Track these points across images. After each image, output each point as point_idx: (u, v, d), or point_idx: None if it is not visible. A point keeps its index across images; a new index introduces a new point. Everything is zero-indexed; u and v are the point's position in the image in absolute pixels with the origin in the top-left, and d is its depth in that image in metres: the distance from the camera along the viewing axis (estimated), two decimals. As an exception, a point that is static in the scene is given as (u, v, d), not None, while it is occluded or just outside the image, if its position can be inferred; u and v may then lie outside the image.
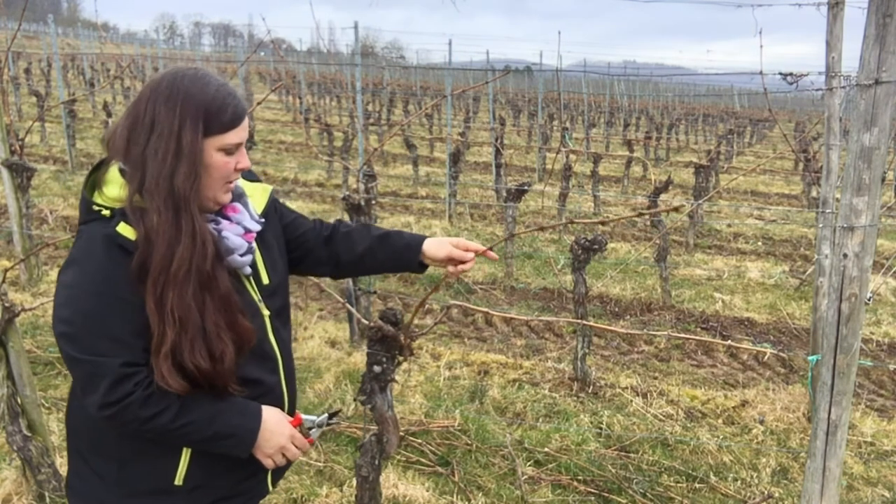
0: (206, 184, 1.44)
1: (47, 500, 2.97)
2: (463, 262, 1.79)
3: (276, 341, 1.64)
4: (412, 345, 2.12)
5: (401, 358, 2.17)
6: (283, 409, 1.65)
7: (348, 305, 2.87)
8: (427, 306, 6.03)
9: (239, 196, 1.59)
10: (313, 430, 1.66)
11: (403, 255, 1.81)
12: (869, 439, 3.99)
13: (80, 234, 1.45)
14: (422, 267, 1.84)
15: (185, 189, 1.39)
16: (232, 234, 1.51)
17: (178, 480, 1.51)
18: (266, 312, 1.61)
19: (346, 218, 5.05)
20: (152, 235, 1.36)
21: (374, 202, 4.88)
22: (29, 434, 2.95)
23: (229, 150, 1.47)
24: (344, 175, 10.89)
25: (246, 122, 1.50)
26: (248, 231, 1.56)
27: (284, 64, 30.83)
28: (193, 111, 1.40)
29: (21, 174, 5.25)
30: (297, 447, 1.59)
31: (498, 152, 10.15)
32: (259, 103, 3.36)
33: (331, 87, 29.28)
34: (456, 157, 9.74)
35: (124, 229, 1.39)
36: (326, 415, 1.70)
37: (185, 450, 1.51)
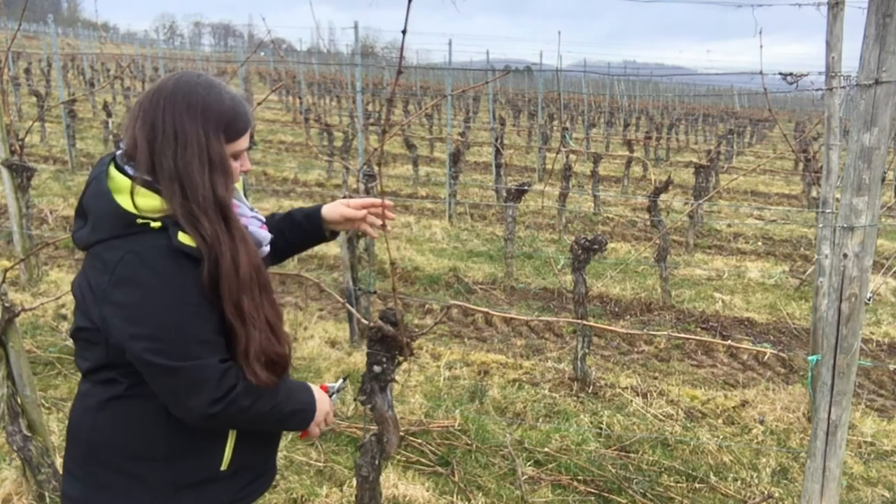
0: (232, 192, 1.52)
1: (47, 500, 2.97)
2: (366, 219, 1.85)
3: None
4: (412, 345, 2.12)
5: (401, 358, 2.17)
6: None
7: (348, 305, 2.87)
8: (427, 306, 6.03)
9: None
10: (333, 395, 1.80)
11: (305, 226, 1.86)
12: (869, 439, 3.99)
13: (114, 249, 1.41)
14: (332, 235, 1.90)
15: (227, 198, 1.45)
16: (254, 228, 1.59)
17: (224, 466, 1.57)
18: None
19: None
20: (215, 245, 1.40)
21: (374, 202, 4.87)
22: (29, 434, 2.95)
23: (237, 155, 1.53)
24: (344, 175, 10.89)
25: (251, 127, 1.57)
26: (262, 223, 1.66)
27: (284, 64, 30.84)
28: (215, 121, 1.45)
29: (21, 174, 5.25)
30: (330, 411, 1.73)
31: (498, 152, 10.16)
32: (259, 103, 3.36)
33: (331, 87, 29.29)
34: (456, 157, 9.74)
35: (185, 238, 1.40)
36: (342, 380, 1.87)
37: (230, 436, 1.57)
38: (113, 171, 1.47)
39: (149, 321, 1.38)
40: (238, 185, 1.71)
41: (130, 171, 1.45)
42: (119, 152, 1.49)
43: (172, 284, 1.39)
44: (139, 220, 1.41)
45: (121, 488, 1.53)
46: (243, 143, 1.52)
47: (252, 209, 1.66)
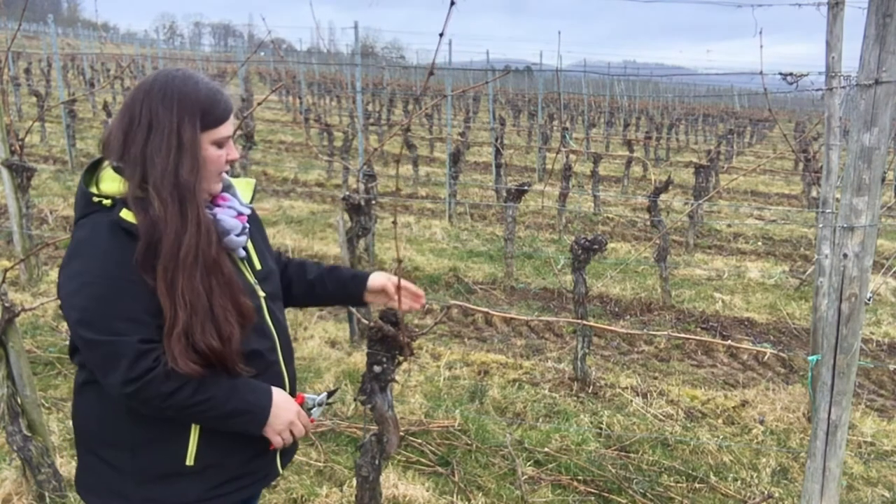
0: (202, 176, 1.54)
1: (47, 500, 2.97)
2: (401, 299, 1.93)
3: (273, 322, 1.72)
4: (412, 345, 2.12)
5: (401, 358, 2.17)
6: (284, 389, 1.71)
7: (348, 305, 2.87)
8: (427, 306, 6.03)
9: (226, 187, 1.70)
10: (314, 409, 1.73)
11: (349, 285, 1.94)
12: (869, 439, 3.99)
13: (80, 227, 1.51)
14: (364, 302, 1.99)
15: (191, 181, 1.49)
16: (226, 217, 1.61)
17: (190, 461, 1.57)
18: (262, 294, 1.70)
19: (346, 218, 5.05)
20: (159, 224, 1.44)
21: (374, 202, 4.88)
22: (29, 434, 2.95)
23: (220, 144, 1.57)
24: (344, 175, 10.89)
25: (233, 115, 1.61)
26: (240, 213, 1.66)
27: (284, 64, 30.85)
28: (190, 109, 1.51)
29: (21, 174, 5.25)
30: (302, 424, 1.66)
31: (498, 152, 10.16)
32: (259, 103, 3.37)
33: (331, 87, 29.28)
34: (456, 157, 9.74)
35: (127, 215, 1.47)
36: (325, 393, 1.77)
37: (193, 430, 1.56)
38: (100, 163, 1.57)
39: (83, 292, 1.44)
40: (246, 186, 1.77)
41: (110, 159, 1.54)
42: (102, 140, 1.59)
43: (110, 257, 1.44)
44: (94, 199, 1.50)
45: (99, 472, 1.59)
46: (224, 130, 1.57)
47: (245, 204, 1.70)
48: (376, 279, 1.93)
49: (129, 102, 1.52)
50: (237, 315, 1.52)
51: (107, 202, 1.49)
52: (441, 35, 1.60)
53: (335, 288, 1.93)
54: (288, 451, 1.78)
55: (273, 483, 3.25)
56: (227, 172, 1.66)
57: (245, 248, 1.68)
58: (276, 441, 1.62)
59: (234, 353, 1.51)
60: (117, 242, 1.45)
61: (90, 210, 1.51)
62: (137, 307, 1.44)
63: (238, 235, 1.61)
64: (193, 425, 1.56)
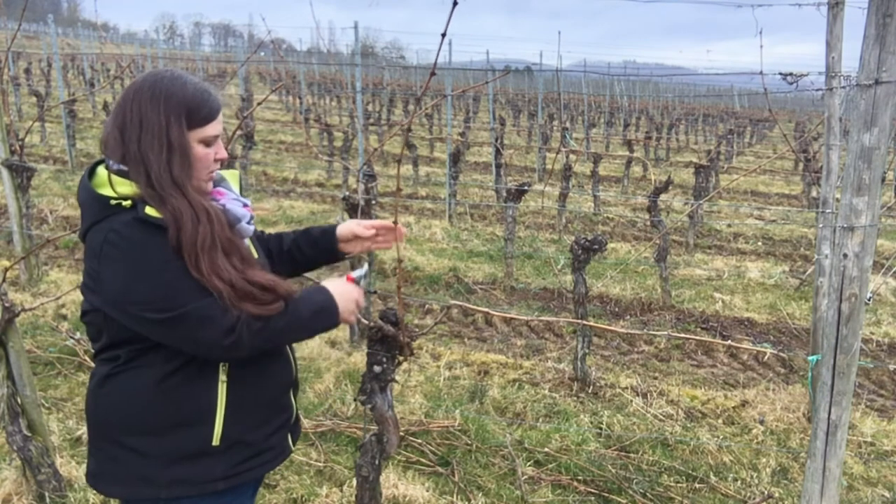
0: (193, 174, 1.59)
1: (47, 500, 2.97)
2: (376, 238, 1.96)
3: None
4: (412, 345, 2.12)
5: (401, 358, 2.17)
6: (291, 373, 1.82)
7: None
8: (427, 306, 6.03)
9: (219, 181, 1.75)
10: (361, 281, 1.84)
11: (321, 242, 1.96)
12: (869, 439, 3.99)
13: (99, 230, 1.53)
14: (341, 254, 1.99)
15: (182, 177, 1.55)
16: (233, 205, 1.68)
17: (216, 441, 1.63)
18: None
19: (346, 218, 5.04)
20: (177, 217, 1.51)
21: (374, 202, 4.87)
22: (29, 434, 2.95)
23: (208, 142, 1.62)
24: (344, 175, 10.89)
25: (221, 115, 1.65)
26: (245, 204, 1.74)
27: (284, 64, 30.84)
28: (176, 108, 1.56)
29: (21, 174, 5.25)
30: (360, 296, 1.80)
31: (498, 152, 10.15)
32: (259, 103, 3.36)
33: (331, 87, 29.28)
34: (456, 157, 9.74)
35: (151, 211, 1.52)
36: (366, 264, 1.94)
37: (219, 411, 1.63)
38: (99, 168, 1.61)
39: (140, 286, 1.50)
40: (231, 177, 1.81)
41: (109, 165, 1.59)
42: (101, 142, 1.62)
43: (150, 250, 1.50)
44: (112, 202, 1.54)
45: (123, 461, 1.63)
46: (211, 129, 1.61)
47: (242, 198, 1.76)
48: (344, 228, 1.95)
49: (121, 102, 1.58)
50: (263, 277, 1.60)
51: (126, 203, 1.53)
52: (443, 35, 1.61)
53: (308, 248, 1.95)
54: (295, 429, 1.87)
55: (273, 483, 3.25)
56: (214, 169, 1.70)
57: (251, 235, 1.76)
58: (351, 320, 1.76)
59: (284, 287, 1.61)
60: (150, 236, 1.50)
61: (108, 213, 1.54)
62: (193, 279, 1.52)
63: (249, 223, 1.70)
64: (219, 405, 1.63)
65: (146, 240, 1.50)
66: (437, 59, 1.81)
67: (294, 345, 1.91)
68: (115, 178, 1.56)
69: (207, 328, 1.52)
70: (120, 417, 1.62)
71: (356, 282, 1.81)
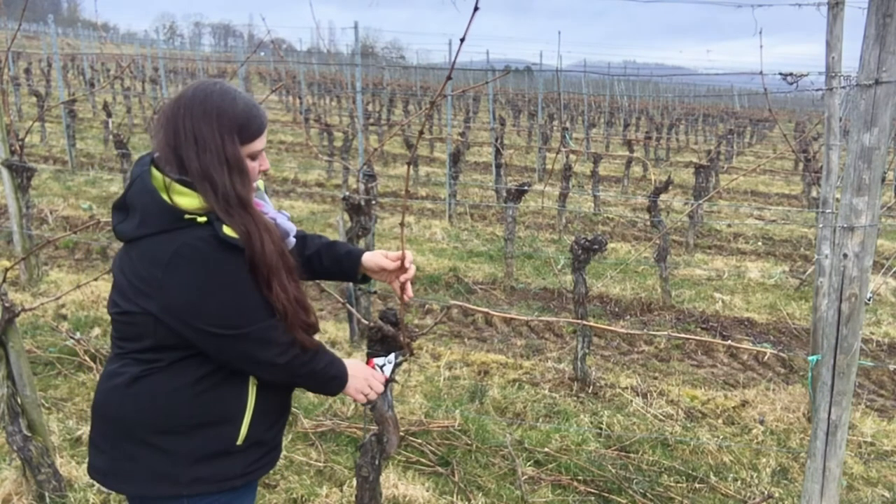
0: (250, 189, 1.65)
1: (47, 500, 2.97)
2: (400, 273, 1.94)
3: None
4: (412, 345, 2.12)
5: (401, 358, 2.17)
6: None
7: (348, 305, 2.87)
8: (427, 306, 6.03)
9: (256, 193, 1.79)
10: (385, 366, 1.95)
11: (344, 262, 1.97)
12: (869, 439, 3.99)
13: (165, 241, 1.55)
14: (363, 279, 2.01)
15: (245, 194, 1.60)
16: (282, 219, 1.74)
17: (240, 441, 1.68)
18: None
19: (346, 218, 5.04)
20: (250, 234, 1.57)
21: (374, 202, 4.87)
22: (29, 434, 2.95)
23: (254, 156, 1.66)
24: (344, 175, 10.89)
25: (265, 129, 1.69)
26: (288, 217, 1.79)
27: (284, 64, 30.83)
28: (229, 125, 1.59)
29: (21, 174, 5.25)
30: (377, 381, 1.90)
31: (498, 152, 10.15)
32: (259, 103, 3.36)
33: (331, 87, 29.28)
34: (456, 157, 9.74)
35: (229, 231, 1.56)
36: (393, 354, 2.00)
37: (248, 411, 1.68)
38: (154, 171, 1.61)
39: (212, 303, 1.55)
40: (260, 185, 1.83)
41: (167, 171, 1.61)
42: (157, 154, 1.64)
43: (225, 269, 1.55)
44: (187, 216, 1.56)
45: (146, 459, 1.66)
46: (259, 144, 1.65)
47: (277, 210, 1.80)
48: (371, 258, 1.95)
49: (171, 116, 1.59)
50: (305, 297, 1.70)
51: (201, 219, 1.56)
52: (462, 40, 1.61)
53: (330, 262, 1.97)
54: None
55: (273, 483, 3.25)
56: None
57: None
58: (360, 398, 1.88)
59: (316, 327, 1.74)
60: (227, 255, 1.55)
61: (180, 225, 1.56)
62: (261, 298, 1.59)
63: (293, 237, 1.78)
64: (249, 406, 1.69)
65: (224, 258, 1.54)
66: (454, 61, 1.81)
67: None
68: (177, 186, 1.57)
69: (266, 347, 1.61)
70: (151, 417, 1.64)
71: (378, 365, 1.93)
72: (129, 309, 1.61)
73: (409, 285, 1.95)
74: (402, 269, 1.92)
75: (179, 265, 1.53)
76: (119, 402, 1.68)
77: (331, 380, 1.79)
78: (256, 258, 1.56)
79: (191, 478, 1.65)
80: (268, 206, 1.74)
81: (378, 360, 1.93)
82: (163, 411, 1.64)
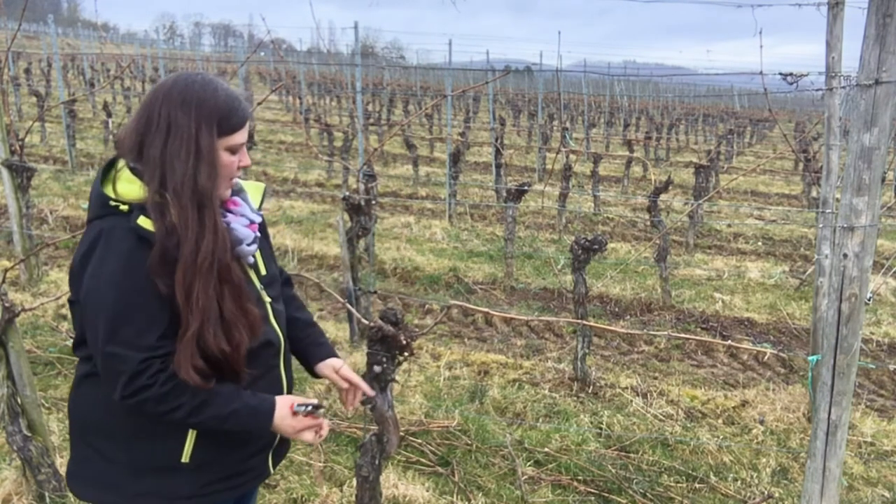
0: (217, 182, 1.56)
1: (47, 500, 2.97)
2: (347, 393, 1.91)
3: (278, 327, 1.74)
4: (412, 345, 2.12)
5: (401, 358, 2.17)
6: (282, 392, 1.75)
7: (348, 305, 2.87)
8: (427, 306, 6.03)
9: (238, 191, 1.70)
10: (303, 411, 1.68)
11: (310, 349, 1.89)
12: (869, 439, 3.99)
13: (93, 227, 1.51)
14: (314, 372, 1.93)
15: (208, 187, 1.51)
16: (239, 226, 1.62)
17: (185, 458, 1.59)
18: (267, 300, 1.72)
19: (346, 218, 5.04)
20: (179, 230, 1.46)
21: (374, 202, 4.87)
22: (29, 434, 2.95)
23: (234, 150, 1.58)
24: (344, 175, 10.89)
25: (248, 122, 1.61)
26: (251, 222, 1.67)
27: (284, 64, 30.83)
28: (207, 115, 1.52)
29: (21, 174, 5.25)
30: (310, 429, 1.69)
31: (498, 152, 10.16)
32: (259, 103, 3.36)
33: (331, 87, 29.28)
34: (456, 157, 9.74)
35: (145, 222, 1.48)
36: (316, 401, 1.73)
37: (191, 429, 1.58)
38: (119, 162, 1.58)
39: (101, 295, 1.46)
40: (255, 190, 1.78)
41: (127, 159, 1.56)
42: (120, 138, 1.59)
43: (127, 264, 1.46)
44: (111, 203, 1.51)
45: (93, 463, 1.62)
46: (239, 137, 1.58)
47: (256, 210, 1.72)
48: (325, 367, 1.88)
49: (148, 104, 1.53)
50: (246, 322, 1.54)
51: (123, 207, 1.50)
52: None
53: (300, 338, 1.89)
54: (279, 451, 1.81)
55: (273, 483, 3.25)
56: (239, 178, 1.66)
57: (253, 255, 1.70)
58: (306, 438, 1.70)
59: (241, 358, 1.54)
60: (133, 250, 1.46)
61: (105, 212, 1.51)
62: (144, 319, 1.46)
63: (249, 245, 1.63)
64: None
65: (130, 252, 1.46)
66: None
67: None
68: (123, 173, 1.53)
69: (111, 381, 1.47)
70: (94, 420, 1.60)
71: (298, 412, 1.67)
72: (72, 298, 1.58)
73: (355, 396, 1.92)
74: (349, 390, 1.90)
75: (89, 254, 1.49)
76: (72, 405, 1.66)
77: (222, 431, 1.59)
78: (184, 255, 1.45)
79: (134, 492, 1.58)
80: (244, 207, 1.67)
81: (298, 408, 1.66)
82: (102, 416, 1.58)
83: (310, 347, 1.89)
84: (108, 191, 1.53)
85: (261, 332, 1.60)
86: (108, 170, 1.57)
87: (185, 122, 1.49)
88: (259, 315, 1.59)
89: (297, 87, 23.55)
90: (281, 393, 1.74)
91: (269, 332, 1.69)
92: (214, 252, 1.48)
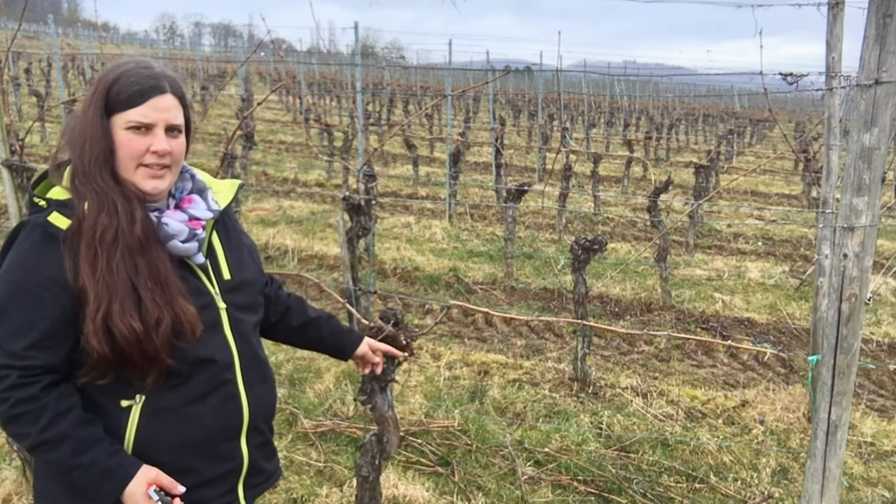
0: (119, 164, 1.47)
1: (47, 500, 2.97)
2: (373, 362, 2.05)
3: (234, 337, 1.58)
4: (412, 345, 2.12)
5: (401, 358, 2.17)
6: (240, 416, 1.58)
7: (348, 306, 2.87)
8: (427, 306, 6.03)
9: (200, 190, 1.61)
10: (156, 497, 1.45)
11: (344, 338, 1.97)
12: (869, 439, 3.99)
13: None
14: (348, 358, 2.03)
15: (90, 165, 1.44)
16: (173, 221, 1.50)
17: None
18: (222, 305, 1.57)
19: (346, 218, 5.04)
20: (87, 209, 1.42)
21: (374, 202, 4.87)
22: (29, 434, 2.94)
23: (137, 128, 1.46)
24: (344, 175, 10.89)
25: (161, 102, 1.47)
26: (192, 218, 1.54)
27: (284, 64, 30.83)
28: (99, 91, 1.46)
29: (21, 174, 5.25)
30: None
31: (498, 152, 10.15)
32: (259, 103, 3.37)
33: (331, 87, 29.28)
34: (456, 158, 9.74)
35: (56, 219, 1.43)
36: (169, 498, 1.46)
37: (127, 443, 1.46)
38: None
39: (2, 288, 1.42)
40: (229, 187, 1.68)
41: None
42: None
43: (22, 260, 1.41)
44: (35, 199, 1.48)
45: (41, 479, 1.56)
46: (134, 114, 1.45)
47: (215, 209, 1.60)
48: (362, 346, 2.00)
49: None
50: (170, 311, 1.42)
51: (42, 203, 1.46)
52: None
53: (329, 333, 1.94)
54: (255, 482, 1.67)
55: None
56: (159, 166, 1.49)
57: (215, 255, 1.59)
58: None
59: (160, 342, 1.40)
60: (34, 247, 1.41)
61: (31, 210, 1.49)
62: (18, 319, 1.38)
63: (185, 242, 1.50)
64: (128, 438, 1.46)
65: (31, 249, 1.41)
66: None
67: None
68: (66, 171, 1.50)
69: None
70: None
71: (152, 497, 1.43)
72: None
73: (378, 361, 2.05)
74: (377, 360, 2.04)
75: (6, 249, 1.46)
76: None
77: (83, 486, 1.41)
78: (85, 229, 1.40)
79: None
80: (195, 207, 1.56)
81: (154, 493, 1.42)
82: None
83: (343, 337, 1.97)
84: (39, 189, 1.51)
85: (195, 331, 1.46)
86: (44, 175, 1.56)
87: (84, 105, 1.47)
88: (192, 311, 1.46)
89: (297, 87, 23.55)
90: (238, 414, 1.57)
91: (216, 340, 1.53)
92: (116, 227, 1.40)
